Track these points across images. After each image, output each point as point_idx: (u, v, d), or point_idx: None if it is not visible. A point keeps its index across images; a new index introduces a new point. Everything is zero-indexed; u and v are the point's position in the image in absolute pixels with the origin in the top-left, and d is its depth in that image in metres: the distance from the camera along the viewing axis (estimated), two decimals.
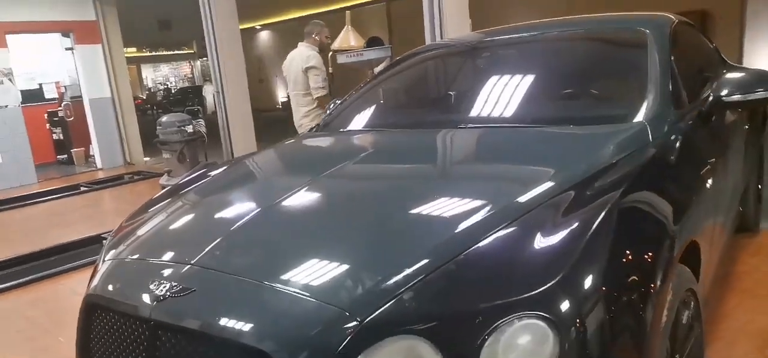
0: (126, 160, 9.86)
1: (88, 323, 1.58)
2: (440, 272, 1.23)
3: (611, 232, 1.29)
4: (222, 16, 7.34)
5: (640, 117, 1.88)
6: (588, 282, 1.18)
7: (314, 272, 1.34)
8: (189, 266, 1.44)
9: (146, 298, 1.38)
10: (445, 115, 2.41)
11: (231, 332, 1.24)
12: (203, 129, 7.17)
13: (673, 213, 1.48)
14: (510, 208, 1.41)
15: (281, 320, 1.24)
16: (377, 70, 4.43)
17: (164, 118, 7.03)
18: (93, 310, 1.57)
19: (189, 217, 1.90)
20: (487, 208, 1.42)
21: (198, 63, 28.88)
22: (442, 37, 4.87)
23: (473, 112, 2.29)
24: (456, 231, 1.35)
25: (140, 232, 1.82)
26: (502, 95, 2.26)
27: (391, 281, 1.23)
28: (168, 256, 1.58)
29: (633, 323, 1.20)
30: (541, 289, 1.15)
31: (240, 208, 1.82)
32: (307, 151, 2.49)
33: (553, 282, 1.16)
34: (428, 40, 5.00)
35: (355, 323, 1.16)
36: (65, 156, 10.54)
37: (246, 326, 1.24)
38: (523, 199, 1.45)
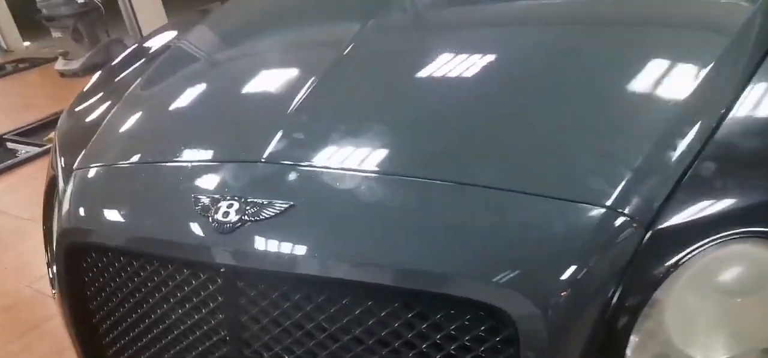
0: (1, 48, 8.27)
1: (75, 271, 1.03)
2: (731, 126, 0.76)
3: None
4: None
5: None
6: None
7: (514, 154, 0.81)
8: (262, 164, 0.86)
9: (201, 229, 0.83)
10: None
11: (398, 274, 0.73)
12: None
13: None
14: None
15: (499, 244, 0.71)
16: None
17: None
18: (81, 253, 1.01)
19: (208, 85, 1.26)
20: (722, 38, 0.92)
21: None
22: None
23: None
24: (719, 59, 0.86)
25: (126, 118, 1.20)
26: None
27: (664, 154, 0.74)
28: (208, 151, 0.98)
29: None
30: None
31: (288, 67, 1.21)
32: None
33: None
34: None
35: (636, 230, 0.68)
36: None
37: (431, 262, 0.72)
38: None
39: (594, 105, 0.87)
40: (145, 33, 6.39)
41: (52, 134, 4.22)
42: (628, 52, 0.97)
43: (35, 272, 2.43)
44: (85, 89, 1.53)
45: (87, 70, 5.81)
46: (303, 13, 1.52)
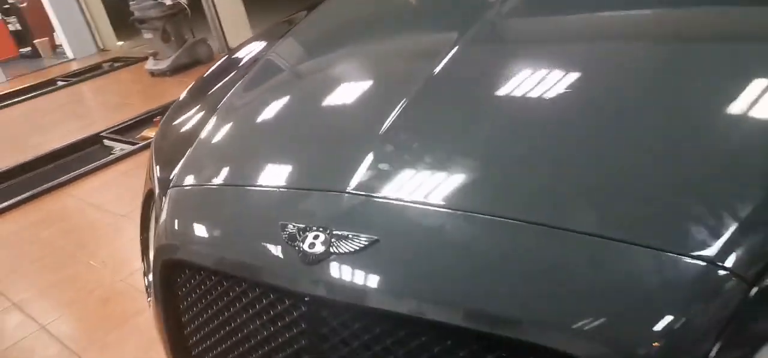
0: (98, 47, 8.89)
1: (170, 285, 1.09)
2: None
3: None
4: None
5: None
6: None
7: (608, 200, 0.76)
8: (348, 195, 0.87)
9: (288, 258, 0.85)
10: None
11: (476, 319, 0.71)
12: (183, 0, 6.30)
13: None
14: None
15: (585, 291, 0.68)
16: None
17: None
18: (175, 269, 1.07)
19: (294, 108, 1.26)
20: None
21: None
22: None
23: None
24: None
25: (217, 137, 1.25)
26: None
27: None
28: (296, 179, 1.00)
29: None
30: None
31: (376, 89, 1.20)
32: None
33: None
34: None
35: (742, 286, 0.64)
36: (29, 49, 9.50)
37: (510, 307, 0.70)
38: None
39: (699, 144, 0.81)
40: (227, 34, 6.67)
41: (144, 132, 4.51)
42: (739, 78, 0.88)
43: (129, 267, 2.60)
44: (178, 101, 1.61)
45: (174, 70, 6.16)
46: (389, 25, 1.50)
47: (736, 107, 0.83)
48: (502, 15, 1.26)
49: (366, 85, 1.24)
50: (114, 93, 6.26)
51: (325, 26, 1.70)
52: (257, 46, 1.75)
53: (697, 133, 0.82)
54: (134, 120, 4.77)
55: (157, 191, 1.24)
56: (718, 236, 0.67)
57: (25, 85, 7.17)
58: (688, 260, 0.66)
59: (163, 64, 6.18)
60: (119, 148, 4.34)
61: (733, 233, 0.67)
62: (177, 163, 1.23)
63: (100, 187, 3.69)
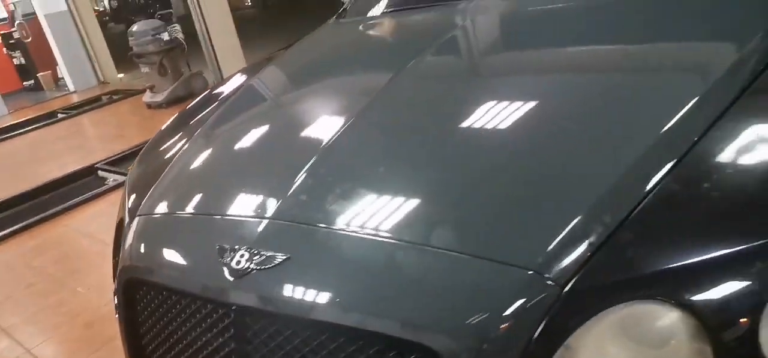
0: (99, 79, 9.15)
1: (131, 301, 1.24)
2: (653, 202, 0.85)
3: None
4: None
5: None
6: None
7: (469, 218, 0.94)
8: (268, 221, 1.05)
9: (220, 274, 1.01)
10: None
11: (361, 319, 0.87)
12: (180, 35, 6.55)
13: None
14: (719, 94, 0.99)
15: (441, 297, 0.85)
16: None
17: (135, 27, 6.39)
18: (135, 286, 1.23)
19: (241, 146, 1.45)
20: (685, 98, 0.99)
21: None
22: None
23: None
24: (653, 140, 0.94)
25: (177, 172, 1.41)
26: None
27: (588, 223, 0.84)
28: (232, 207, 1.18)
29: None
30: None
31: (312, 125, 1.38)
32: (364, 42, 1.98)
33: None
34: None
35: (555, 290, 0.79)
36: (32, 82, 9.76)
37: (387, 311, 0.87)
38: (730, 78, 1.02)
39: (526, 180, 0.98)
40: (223, 67, 6.91)
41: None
42: (557, 121, 1.09)
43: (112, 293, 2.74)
44: (154, 138, 1.78)
45: (170, 103, 6.37)
46: (332, 71, 1.73)
47: (565, 148, 1.02)
48: (422, 65, 1.45)
49: (299, 128, 1.42)
50: (111, 125, 6.46)
51: (278, 76, 1.90)
52: (229, 86, 1.92)
53: (525, 172, 1.01)
54: (128, 151, 4.94)
55: (126, 220, 1.40)
56: (541, 251, 0.83)
57: (27, 118, 7.38)
58: (517, 268, 0.82)
59: (160, 97, 6.39)
60: (112, 179, 4.50)
61: (552, 249, 0.83)
62: (145, 196, 1.39)
63: (93, 217, 3.84)
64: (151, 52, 6.35)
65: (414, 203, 1.00)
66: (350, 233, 0.98)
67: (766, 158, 0.90)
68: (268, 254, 0.97)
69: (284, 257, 0.96)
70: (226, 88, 1.90)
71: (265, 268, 0.96)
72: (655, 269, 0.79)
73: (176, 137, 1.67)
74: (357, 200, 1.05)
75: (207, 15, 6.81)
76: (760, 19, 1.16)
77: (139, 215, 1.33)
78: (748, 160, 0.90)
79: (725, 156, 0.91)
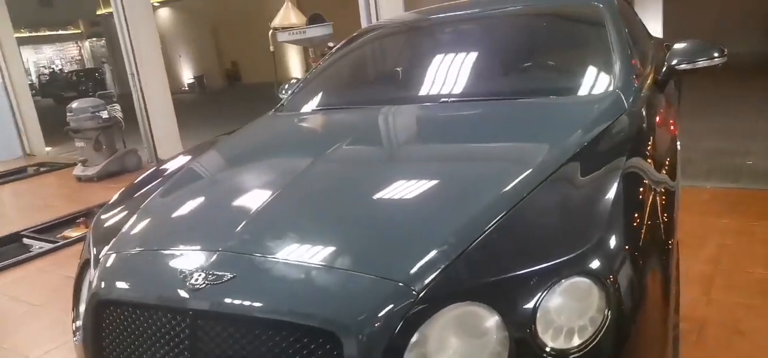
0: (25, 152, 9.01)
1: (98, 322, 1.49)
2: (484, 239, 1.30)
3: (628, 194, 1.42)
4: None
5: (612, 87, 2.04)
6: (621, 241, 1.28)
7: (359, 248, 1.35)
8: (219, 252, 1.40)
9: (180, 289, 1.33)
10: (421, 90, 2.43)
11: (286, 314, 1.24)
12: (119, 114, 6.74)
13: (666, 174, 1.65)
14: (531, 176, 1.50)
15: (338, 298, 1.24)
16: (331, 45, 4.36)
17: (75, 104, 6.54)
18: (103, 308, 1.48)
19: (195, 202, 1.81)
20: (511, 176, 1.50)
21: (87, 44, 26.83)
22: (377, 12, 4.90)
23: (454, 87, 2.34)
24: (489, 201, 1.42)
25: (141, 222, 1.72)
26: (482, 69, 2.37)
27: (440, 251, 1.27)
28: (189, 244, 1.50)
29: (660, 273, 1.34)
30: (583, 250, 1.25)
31: (251, 189, 1.77)
32: (297, 131, 2.44)
33: (592, 242, 1.26)
34: (363, 16, 5.02)
35: (413, 295, 1.20)
36: None
37: (303, 308, 1.24)
38: (541, 166, 1.54)
39: (410, 223, 1.42)
40: (158, 146, 7.09)
41: (66, 232, 4.73)
42: (441, 173, 1.65)
43: (41, 348, 2.83)
44: (113, 199, 2.06)
45: (102, 177, 6.44)
46: (272, 150, 2.21)
47: (421, 197, 1.53)
48: (338, 151, 1.91)
49: (241, 192, 1.82)
50: (38, 196, 6.41)
51: (225, 152, 2.31)
52: (179, 161, 2.25)
53: (401, 221, 1.45)
54: (57, 221, 4.98)
55: (92, 259, 1.67)
56: (407, 271, 1.25)
57: None
58: (392, 282, 1.23)
59: (91, 171, 6.46)
60: (38, 246, 4.52)
61: (414, 270, 1.25)
62: (108, 242, 1.69)
63: (18, 281, 3.86)
64: (89, 128, 6.48)
65: (324, 239, 1.41)
66: (280, 260, 1.36)
67: (555, 218, 1.40)
68: (219, 274, 1.32)
69: (232, 275, 1.32)
70: (172, 165, 2.24)
71: (216, 283, 1.31)
72: (480, 282, 1.23)
73: (135, 197, 1.97)
74: (284, 238, 1.43)
75: (147, 96, 7.08)
76: (563, 134, 1.73)
77: (109, 252, 1.61)
78: (546, 218, 1.40)
79: (533, 214, 1.39)
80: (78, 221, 4.94)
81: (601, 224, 1.32)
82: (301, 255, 1.36)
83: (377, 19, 4.74)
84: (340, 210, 1.55)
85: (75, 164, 6.81)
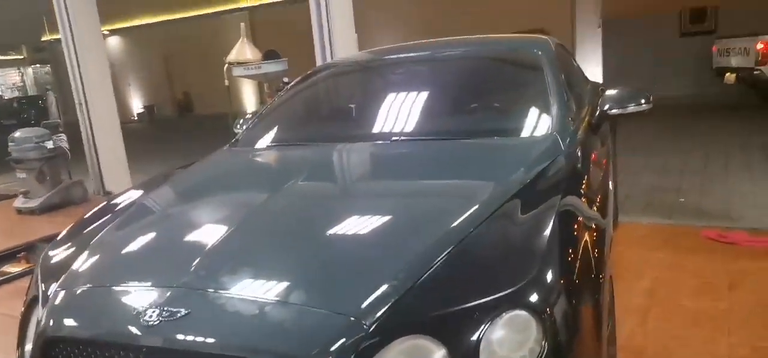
0: None
1: None
2: (432, 273, 1.38)
3: (563, 231, 1.53)
4: (82, 18, 6.75)
5: (550, 130, 2.19)
6: (556, 276, 1.38)
7: (312, 283, 1.40)
8: (174, 288, 1.41)
9: (133, 326, 1.34)
10: (374, 128, 2.51)
11: (241, 350, 1.26)
12: (65, 144, 6.54)
13: (598, 212, 1.78)
14: (476, 213, 1.59)
15: (291, 333, 1.28)
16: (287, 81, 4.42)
17: (18, 134, 6.32)
18: (52, 346, 1.46)
19: (148, 237, 1.81)
20: (457, 213, 1.59)
21: (30, 70, 25.94)
22: (331, 50, 5.01)
23: (405, 126, 2.44)
24: (437, 236, 1.50)
25: (93, 257, 1.70)
26: (432, 109, 2.49)
27: (390, 286, 1.34)
28: (143, 281, 1.52)
29: (592, 306, 1.45)
30: (521, 284, 1.34)
31: (206, 225, 1.79)
32: (252, 167, 2.48)
33: (530, 277, 1.36)
34: (318, 53, 5.12)
35: (364, 329, 1.26)
36: None
37: (257, 343, 1.27)
38: (485, 204, 1.64)
39: (362, 259, 1.49)
40: (105, 178, 6.90)
41: (5, 267, 4.52)
42: (390, 210, 1.72)
43: None
44: (62, 235, 2.02)
45: (45, 209, 6.20)
46: (226, 186, 2.25)
47: (377, 231, 1.61)
48: (294, 187, 1.98)
49: (196, 227, 1.85)
50: None
51: (179, 187, 2.32)
52: (131, 195, 2.24)
53: (354, 257, 1.53)
54: None
55: (40, 296, 1.65)
56: (359, 305, 1.31)
57: None
58: (344, 316, 1.29)
59: (33, 203, 6.21)
60: None
61: (365, 304, 1.31)
62: (58, 278, 1.67)
63: None
64: (32, 158, 6.25)
65: (278, 274, 1.46)
66: (234, 295, 1.40)
67: (497, 252, 1.49)
68: (173, 310, 1.35)
69: (186, 312, 1.34)
70: (124, 199, 2.21)
71: (170, 320, 1.33)
72: (427, 316, 1.30)
73: (86, 232, 1.95)
74: (239, 274, 1.47)
75: (96, 126, 6.90)
76: (505, 173, 1.87)
77: (59, 289, 1.59)
78: (489, 252, 1.49)
79: (477, 249, 1.48)
80: (19, 255, 4.74)
81: (538, 259, 1.42)
82: (256, 291, 1.40)
83: (331, 58, 4.84)
84: (295, 245, 1.60)
85: (15, 196, 6.53)
